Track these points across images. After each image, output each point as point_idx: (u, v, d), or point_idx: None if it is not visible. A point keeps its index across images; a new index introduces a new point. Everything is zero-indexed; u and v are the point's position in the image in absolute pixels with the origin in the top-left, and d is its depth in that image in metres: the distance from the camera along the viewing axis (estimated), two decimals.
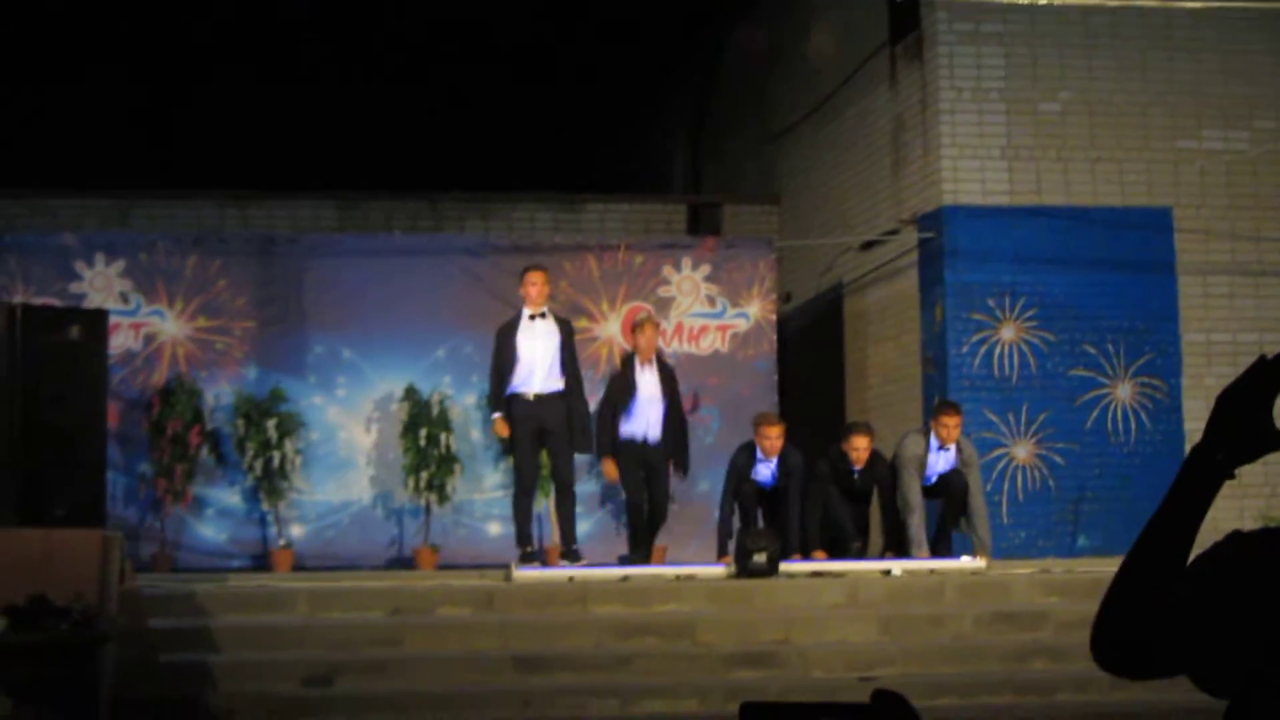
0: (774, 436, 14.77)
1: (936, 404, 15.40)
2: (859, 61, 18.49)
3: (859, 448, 14.92)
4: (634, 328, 14.98)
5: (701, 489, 16.50)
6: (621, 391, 14.60)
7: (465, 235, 18.33)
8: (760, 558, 13.34)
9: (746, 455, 14.92)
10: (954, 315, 16.43)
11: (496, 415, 14.27)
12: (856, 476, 15.02)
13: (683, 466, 14.95)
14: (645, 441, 14.51)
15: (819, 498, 14.93)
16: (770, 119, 21.53)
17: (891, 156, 17.67)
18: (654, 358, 14.78)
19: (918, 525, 14.61)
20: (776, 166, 21.18)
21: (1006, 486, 16.28)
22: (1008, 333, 16.42)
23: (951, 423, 14.77)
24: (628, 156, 26.90)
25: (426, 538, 16.16)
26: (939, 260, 16.53)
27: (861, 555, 15.02)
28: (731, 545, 14.27)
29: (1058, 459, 16.38)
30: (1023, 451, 16.34)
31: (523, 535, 14.23)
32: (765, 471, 14.90)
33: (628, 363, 14.81)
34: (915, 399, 16.85)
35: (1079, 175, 16.70)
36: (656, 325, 15.20)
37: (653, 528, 14.78)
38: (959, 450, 14.84)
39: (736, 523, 14.83)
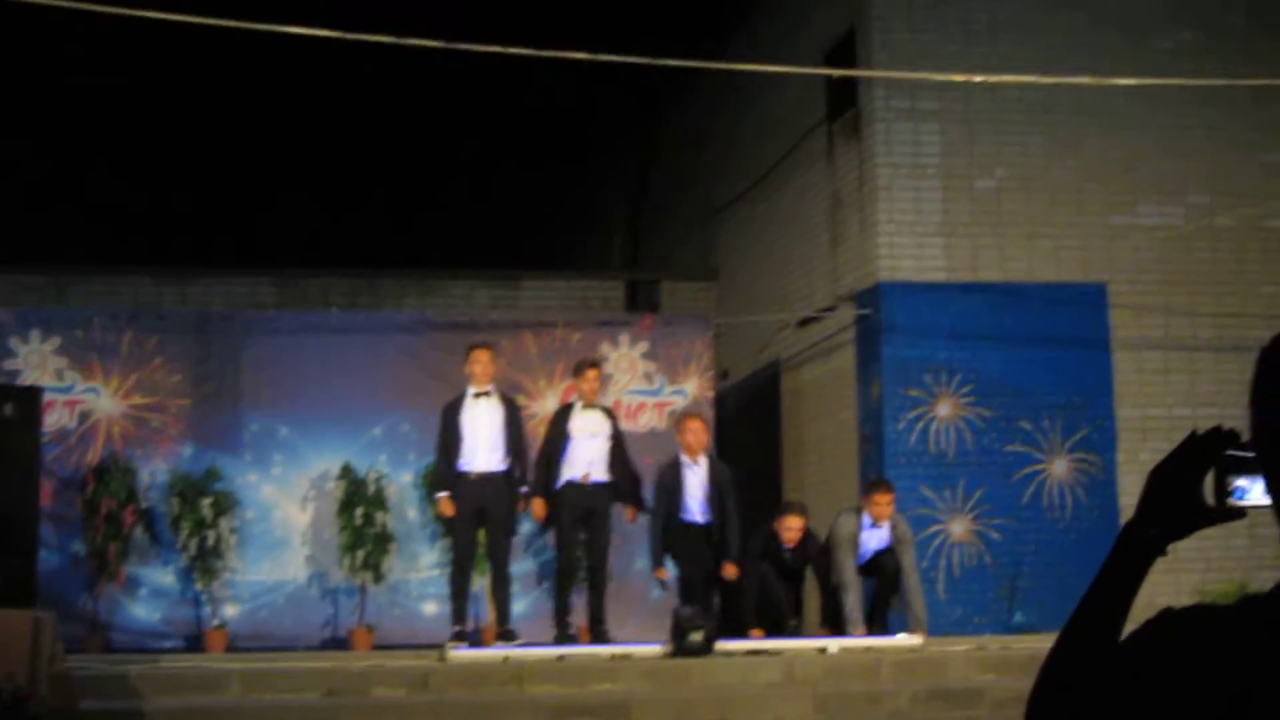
0: (696, 430, 14.67)
1: (869, 483, 15.29)
2: (797, 138, 18.51)
3: (792, 527, 14.86)
4: (575, 370, 14.78)
5: (637, 567, 16.28)
6: (556, 433, 14.35)
7: (403, 313, 18.32)
8: (696, 636, 13.20)
9: (672, 471, 14.75)
10: (891, 391, 16.35)
11: (443, 494, 14.15)
12: (789, 555, 14.93)
13: (637, 502, 14.69)
14: (588, 482, 14.27)
15: (754, 576, 14.78)
16: (709, 195, 21.51)
17: (829, 233, 17.69)
18: (595, 403, 14.59)
19: (853, 603, 14.44)
20: (714, 243, 21.27)
21: (943, 562, 16.23)
22: (944, 409, 16.38)
23: (883, 500, 14.67)
24: (567, 234, 26.87)
25: (362, 618, 16.01)
26: (876, 336, 16.48)
27: (798, 633, 14.93)
28: (669, 571, 14.38)
29: (994, 535, 16.34)
30: (959, 527, 16.31)
31: (458, 612, 14.11)
32: (694, 482, 14.63)
33: (565, 408, 14.63)
34: (852, 476, 16.79)
35: (1015, 251, 16.73)
36: (599, 369, 15.05)
37: (595, 586, 14.47)
38: (893, 528, 14.75)
39: (672, 576, 14.78)
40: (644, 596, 16.11)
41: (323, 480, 16.55)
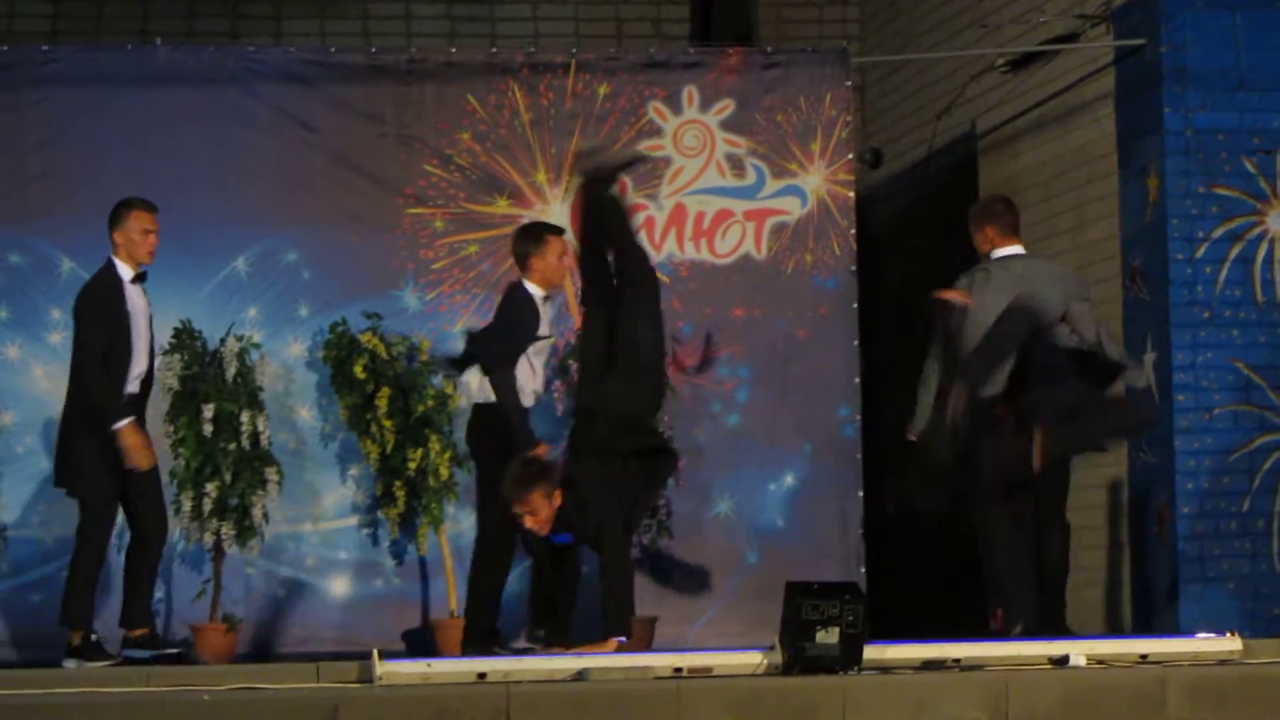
0: None
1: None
2: None
3: None
4: (520, 238, 15.06)
5: (718, 505, 16.76)
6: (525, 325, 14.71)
7: (285, 47, 18.49)
8: (827, 636, 12.98)
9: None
10: (1180, 190, 16.35)
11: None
12: None
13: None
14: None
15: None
16: None
17: None
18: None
19: None
20: None
21: None
22: None
23: None
24: None
25: (216, 603, 16.04)
26: (1154, 88, 16.53)
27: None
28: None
29: None
30: None
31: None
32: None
33: (521, 294, 14.97)
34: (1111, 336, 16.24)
35: None
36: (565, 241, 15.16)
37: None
38: None
39: None
40: (735, 560, 16.47)
41: None
